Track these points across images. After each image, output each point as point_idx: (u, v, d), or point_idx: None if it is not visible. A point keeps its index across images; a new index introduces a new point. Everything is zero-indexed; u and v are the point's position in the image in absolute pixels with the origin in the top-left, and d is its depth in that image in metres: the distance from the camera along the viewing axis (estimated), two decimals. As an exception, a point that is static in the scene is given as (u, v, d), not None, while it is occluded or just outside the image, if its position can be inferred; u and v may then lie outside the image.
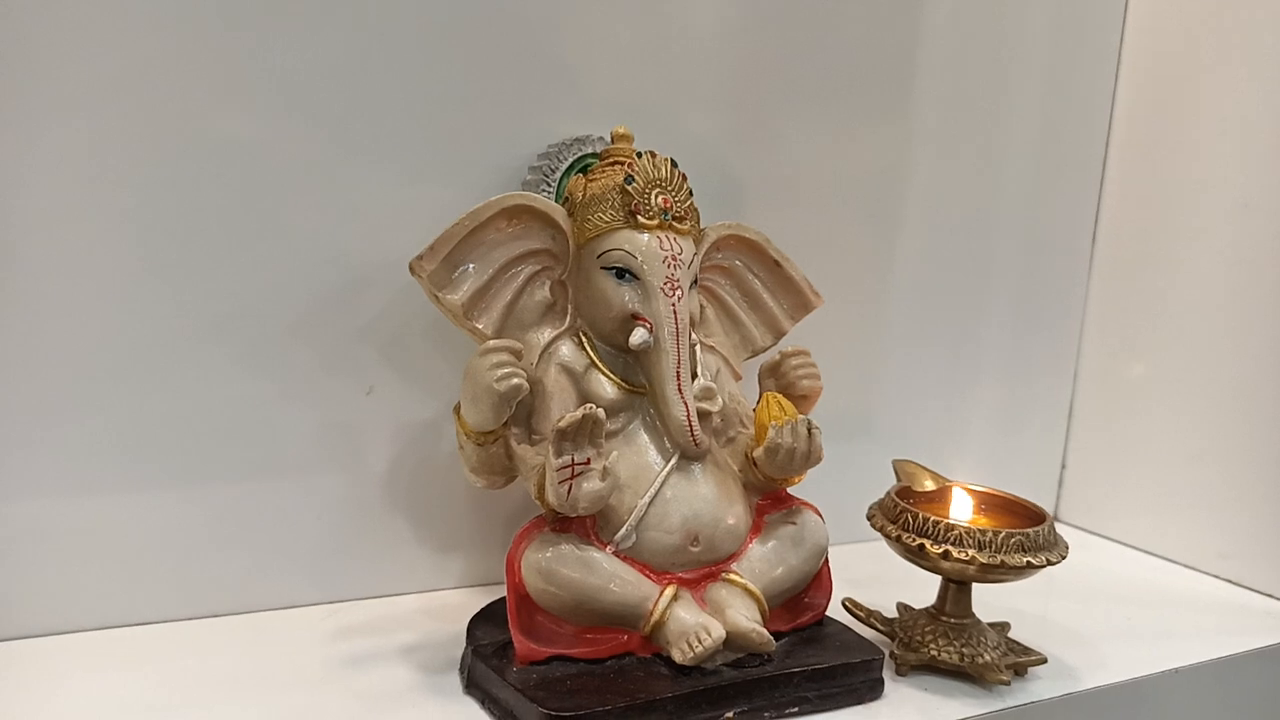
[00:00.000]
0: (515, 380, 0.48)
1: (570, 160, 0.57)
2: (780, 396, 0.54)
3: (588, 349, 0.53)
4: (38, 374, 0.50)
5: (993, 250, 0.79)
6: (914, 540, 0.53)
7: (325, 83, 0.54)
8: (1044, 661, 0.56)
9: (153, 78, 0.50)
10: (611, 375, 0.52)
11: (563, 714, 0.44)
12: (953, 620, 0.55)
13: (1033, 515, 0.56)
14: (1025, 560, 0.52)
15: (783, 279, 0.60)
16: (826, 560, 0.55)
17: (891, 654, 0.55)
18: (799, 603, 0.54)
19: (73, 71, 0.48)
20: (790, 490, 0.56)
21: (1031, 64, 0.77)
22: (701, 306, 0.57)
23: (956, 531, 0.52)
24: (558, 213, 0.53)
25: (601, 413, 0.48)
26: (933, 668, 0.55)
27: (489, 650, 0.49)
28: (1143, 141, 0.80)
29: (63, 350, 0.50)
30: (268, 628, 0.54)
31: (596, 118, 0.60)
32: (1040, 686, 0.54)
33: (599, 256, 0.52)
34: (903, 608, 0.59)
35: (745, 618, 0.49)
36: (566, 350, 0.53)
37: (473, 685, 0.49)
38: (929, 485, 0.58)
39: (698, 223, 0.55)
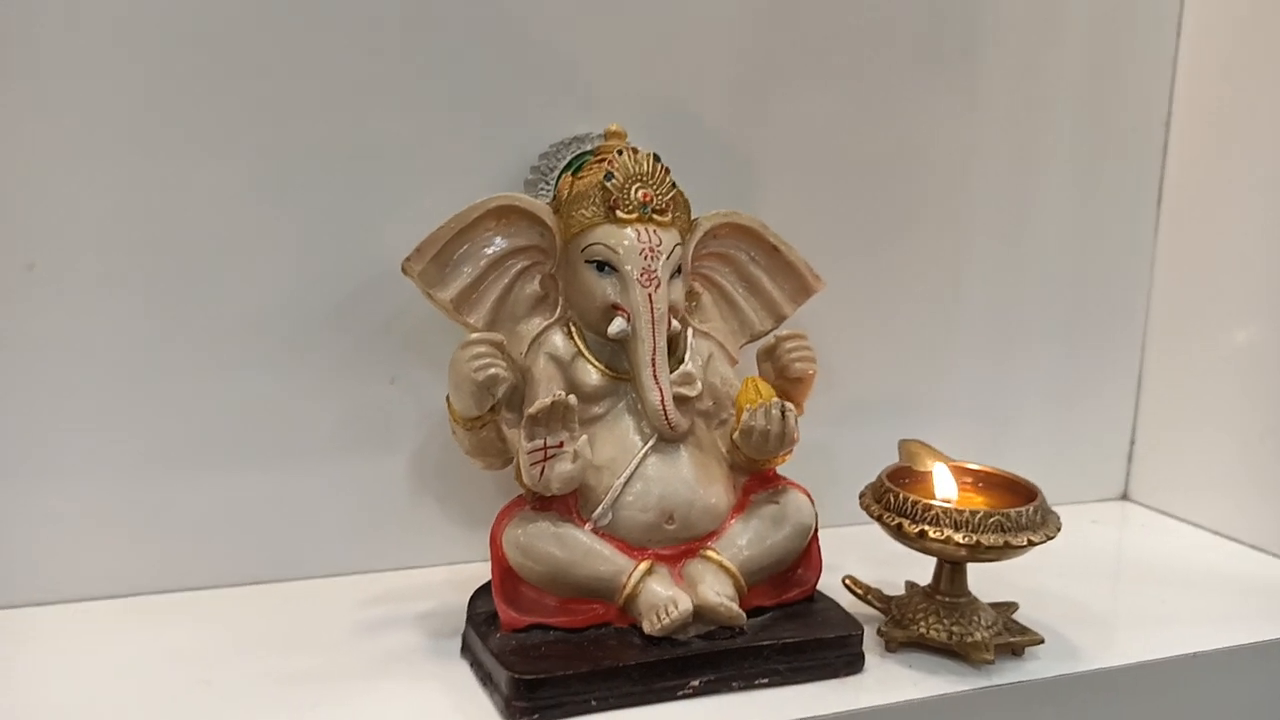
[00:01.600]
0: (492, 370, 0.52)
1: (568, 159, 0.60)
2: (759, 380, 0.55)
3: (576, 338, 0.56)
4: (109, 371, 0.57)
5: (1053, 216, 0.77)
6: (893, 520, 0.53)
7: (346, 89, 0.58)
8: (1040, 642, 0.55)
9: (185, 90, 0.56)
10: (596, 363, 0.55)
11: (526, 676, 0.48)
12: (947, 599, 0.56)
13: (1028, 495, 0.55)
14: (1003, 540, 0.52)
15: (782, 264, 0.61)
16: (816, 538, 0.56)
17: (879, 630, 0.56)
18: (787, 579, 0.56)
19: (107, 89, 0.55)
20: (780, 470, 0.57)
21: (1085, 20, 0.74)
22: (698, 293, 0.60)
23: (933, 511, 0.52)
24: (543, 211, 0.56)
25: (572, 399, 0.51)
26: (923, 645, 0.55)
27: (481, 618, 0.53)
28: (1207, 103, 0.76)
29: (128, 349, 0.57)
30: (306, 594, 0.60)
31: (607, 114, 0.62)
32: (1034, 667, 0.54)
33: (582, 250, 0.55)
34: (909, 586, 0.60)
35: (715, 592, 0.51)
36: (555, 340, 0.56)
37: (465, 649, 0.53)
38: (930, 465, 0.59)
39: (685, 214, 0.57)
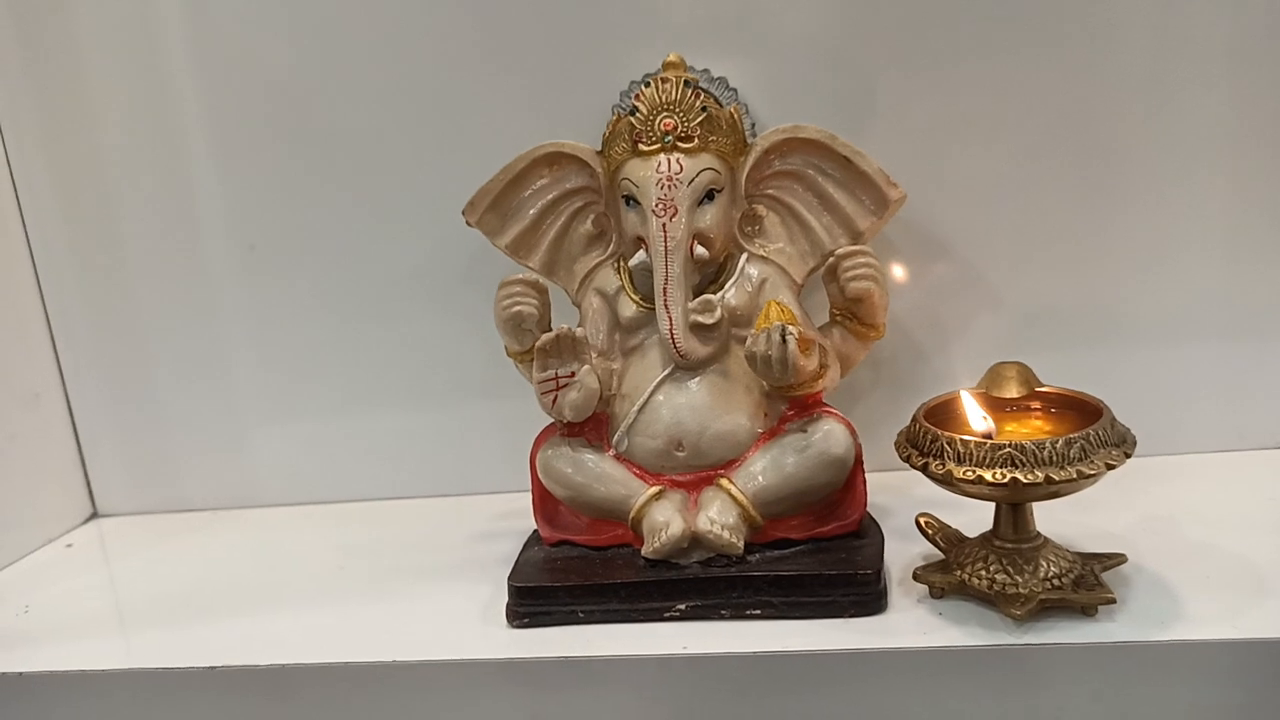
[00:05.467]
0: (517, 308, 0.56)
1: (637, 96, 0.62)
2: (779, 303, 0.53)
3: (623, 273, 0.58)
4: (311, 326, 0.72)
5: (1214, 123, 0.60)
6: (905, 451, 0.48)
7: (449, 63, 0.65)
8: (1108, 601, 0.46)
9: (340, 106, 0.68)
10: (633, 295, 0.57)
11: (519, 584, 0.52)
12: (1005, 544, 0.49)
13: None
14: (1009, 476, 0.44)
15: (855, 174, 0.57)
16: (859, 471, 0.53)
17: (914, 574, 0.50)
18: (828, 513, 0.53)
19: (298, 114, 0.69)
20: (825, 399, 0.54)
21: None
22: (759, 216, 0.58)
23: (939, 444, 0.46)
24: (587, 153, 0.58)
25: (579, 331, 0.54)
26: (971, 593, 0.49)
27: (537, 534, 0.58)
28: None
29: (325, 310, 0.71)
30: (457, 507, 0.70)
31: (704, 46, 0.62)
32: (1089, 629, 0.46)
33: (618, 187, 0.57)
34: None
35: (709, 519, 0.51)
36: (604, 275, 0.58)
37: (522, 557, 0.59)
38: (1013, 391, 0.51)
39: (727, 136, 0.56)
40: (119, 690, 0.52)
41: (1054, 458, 0.44)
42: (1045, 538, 0.49)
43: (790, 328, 0.50)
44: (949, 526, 0.53)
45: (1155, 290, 0.63)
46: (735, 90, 0.62)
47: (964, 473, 0.45)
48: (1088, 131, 0.61)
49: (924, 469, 0.47)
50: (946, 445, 0.46)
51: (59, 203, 0.72)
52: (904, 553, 0.54)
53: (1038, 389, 0.51)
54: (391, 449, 0.73)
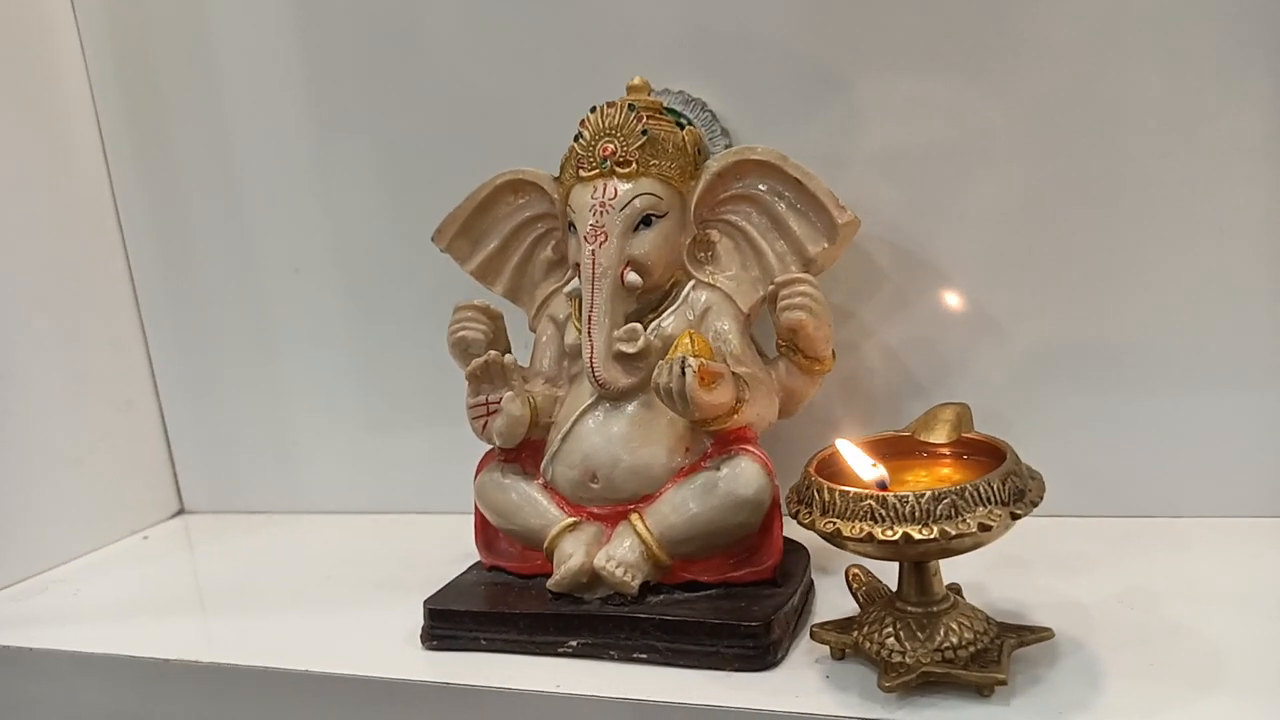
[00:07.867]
0: (462, 333, 0.57)
1: (612, 121, 0.61)
2: (694, 334, 0.51)
3: (571, 300, 0.57)
4: (349, 346, 0.76)
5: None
6: (790, 497, 0.44)
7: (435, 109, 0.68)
8: (999, 683, 0.40)
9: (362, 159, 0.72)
10: (576, 323, 0.56)
11: (431, 607, 0.53)
12: (908, 607, 0.44)
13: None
14: (866, 531, 0.40)
15: (807, 197, 0.54)
16: (776, 515, 0.49)
17: (811, 631, 0.46)
18: (745, 557, 0.50)
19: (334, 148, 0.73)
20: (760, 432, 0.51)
21: None
22: (712, 242, 0.56)
23: (812, 492, 0.42)
24: (545, 180, 0.58)
25: (507, 358, 0.54)
26: (864, 655, 0.45)
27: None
28: None
29: (359, 327, 0.75)
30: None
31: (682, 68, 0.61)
32: (975, 711, 0.40)
33: (566, 213, 0.56)
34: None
35: (608, 556, 0.50)
36: (557, 302, 0.58)
37: (473, 576, 0.59)
38: (939, 437, 0.46)
39: (672, 160, 0.54)
40: (82, 673, 0.58)
41: (917, 514, 0.39)
42: (956, 601, 0.43)
43: (691, 359, 0.48)
44: (878, 581, 0.48)
45: (1184, 328, 0.54)
46: (713, 113, 0.60)
47: (825, 524, 0.41)
48: (1104, 147, 0.55)
49: (795, 516, 0.43)
50: (817, 494, 0.42)
51: (157, 239, 0.80)
52: (841, 606, 0.50)
53: (965, 434, 0.45)
54: (417, 465, 0.76)
